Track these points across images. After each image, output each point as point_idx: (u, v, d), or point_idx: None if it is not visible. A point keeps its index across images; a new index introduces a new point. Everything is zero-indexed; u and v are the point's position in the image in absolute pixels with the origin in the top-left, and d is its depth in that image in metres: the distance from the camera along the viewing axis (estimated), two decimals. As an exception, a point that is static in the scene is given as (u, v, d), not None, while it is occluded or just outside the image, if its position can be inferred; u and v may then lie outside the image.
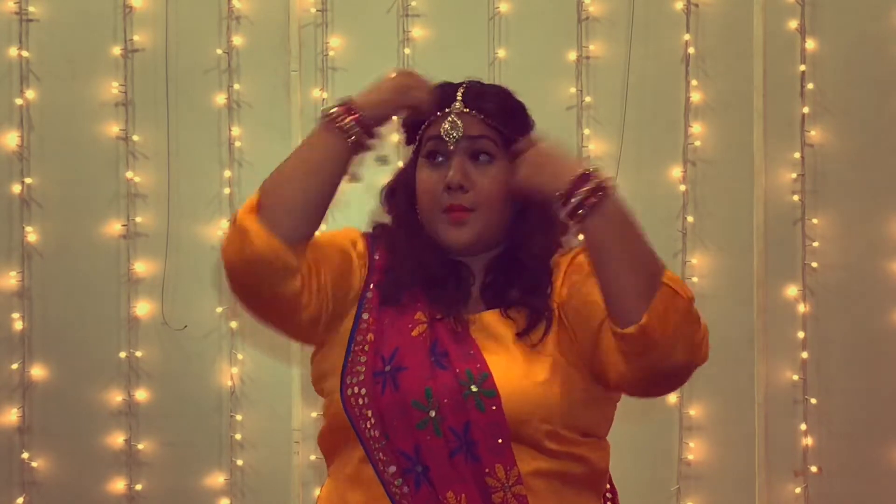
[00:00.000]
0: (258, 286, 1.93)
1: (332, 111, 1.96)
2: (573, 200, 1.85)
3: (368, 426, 1.92)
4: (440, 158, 2.01)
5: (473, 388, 1.89)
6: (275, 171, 1.96)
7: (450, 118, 2.00)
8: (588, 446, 1.95)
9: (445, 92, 2.04)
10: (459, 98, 2.02)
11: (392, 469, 1.90)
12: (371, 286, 2.01)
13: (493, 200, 1.99)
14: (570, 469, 1.93)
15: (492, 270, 2.02)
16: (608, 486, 2.07)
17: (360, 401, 1.92)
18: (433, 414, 1.89)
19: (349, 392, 1.93)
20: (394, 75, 2.02)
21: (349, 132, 1.95)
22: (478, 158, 2.00)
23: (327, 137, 1.96)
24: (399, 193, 2.07)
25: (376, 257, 2.04)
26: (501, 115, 2.02)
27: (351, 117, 1.95)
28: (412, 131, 2.07)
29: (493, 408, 1.88)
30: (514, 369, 1.91)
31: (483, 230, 2.00)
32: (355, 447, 1.95)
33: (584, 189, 1.84)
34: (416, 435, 1.89)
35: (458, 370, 1.90)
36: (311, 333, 2.01)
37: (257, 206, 1.91)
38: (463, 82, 2.06)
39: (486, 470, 1.88)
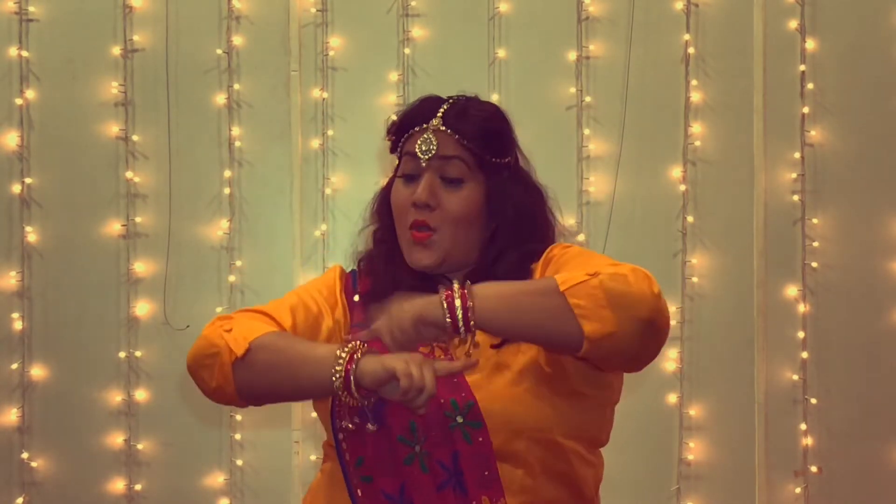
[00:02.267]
0: (205, 392, 1.98)
1: (341, 358, 1.82)
2: (459, 325, 1.78)
3: (351, 470, 1.91)
4: (414, 174, 2.00)
5: (459, 420, 1.87)
6: (279, 349, 1.89)
7: (425, 135, 2.00)
8: (580, 461, 1.93)
9: (428, 106, 2.03)
10: (439, 115, 2.00)
11: None
12: (353, 327, 2.00)
13: (459, 221, 1.99)
14: (556, 495, 1.91)
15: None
16: None
17: (348, 444, 1.92)
18: (418, 449, 1.87)
19: (340, 437, 1.93)
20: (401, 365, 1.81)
21: (336, 389, 1.83)
22: (448, 179, 2.00)
23: (323, 377, 1.83)
24: (382, 209, 2.06)
25: (356, 298, 2.04)
26: (479, 137, 2.01)
27: (344, 375, 1.81)
28: (395, 141, 2.06)
29: (480, 439, 1.86)
30: (499, 389, 1.89)
31: (449, 251, 1.99)
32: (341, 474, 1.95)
33: (457, 306, 1.78)
34: (404, 472, 1.87)
35: (442, 400, 1.87)
36: None
37: (244, 356, 1.89)
38: (450, 98, 2.05)
39: (473, 502, 1.86)
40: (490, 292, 1.80)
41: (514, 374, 1.90)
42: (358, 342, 1.84)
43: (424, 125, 2.01)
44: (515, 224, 2.01)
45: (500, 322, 1.80)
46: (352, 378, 1.80)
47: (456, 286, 1.79)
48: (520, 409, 1.88)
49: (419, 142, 2.00)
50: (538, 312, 1.79)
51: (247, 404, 1.95)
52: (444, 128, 1.99)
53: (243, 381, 1.90)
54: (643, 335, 1.79)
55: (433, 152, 1.99)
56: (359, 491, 1.90)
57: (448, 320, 1.77)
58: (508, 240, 2.01)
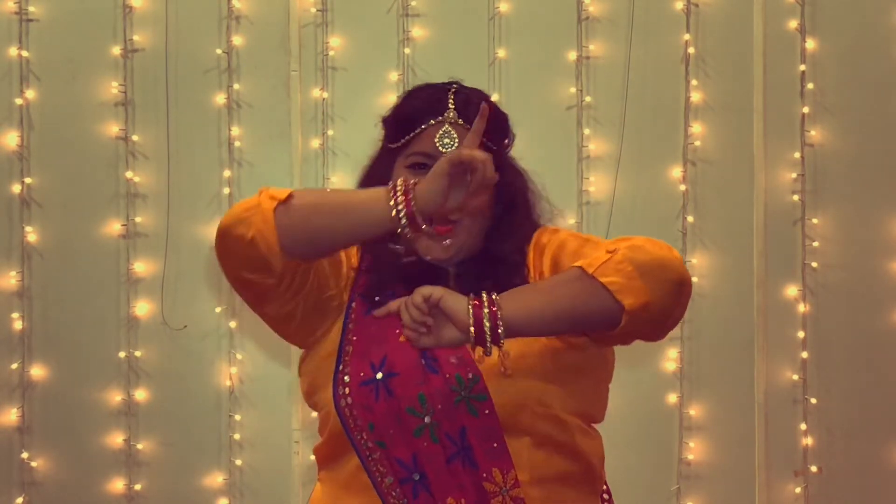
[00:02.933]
0: (236, 257, 1.90)
1: (397, 189, 1.83)
2: (486, 338, 1.79)
3: (364, 437, 1.91)
4: (425, 167, 1.97)
5: (464, 394, 1.89)
6: (321, 193, 1.93)
7: (443, 128, 1.99)
8: (582, 433, 1.95)
9: (434, 97, 2.02)
10: (451, 107, 2.00)
11: (389, 480, 1.90)
12: (356, 295, 2.00)
13: (477, 212, 1.99)
14: (566, 468, 1.94)
15: (465, 268, 2.00)
16: (605, 486, 2.07)
17: (354, 411, 1.91)
18: (428, 420, 1.89)
19: (342, 403, 1.92)
20: (448, 165, 1.83)
21: (400, 220, 1.83)
22: None
23: (380, 212, 1.83)
24: None
25: (363, 265, 2.03)
26: (490, 126, 1.98)
27: (406, 205, 1.82)
28: (397, 132, 2.03)
29: (486, 412, 1.88)
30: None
31: (464, 242, 1.99)
32: (351, 456, 1.94)
33: (484, 319, 1.79)
34: (414, 442, 1.89)
35: (448, 375, 1.89)
36: (282, 327, 2.01)
37: (285, 200, 1.86)
38: (450, 87, 2.04)
39: (484, 475, 1.88)
40: (518, 296, 1.82)
41: (520, 348, 1.91)
42: (402, 181, 1.84)
43: (440, 118, 2.00)
44: (520, 205, 2.03)
45: (533, 323, 1.81)
46: (412, 198, 1.81)
47: (484, 297, 1.80)
48: (523, 384, 1.90)
49: (438, 135, 1.99)
50: (573, 299, 1.82)
51: (283, 257, 1.86)
52: (461, 121, 1.99)
53: (285, 226, 1.84)
54: (675, 297, 1.83)
55: (455, 146, 1.97)
56: (377, 465, 1.90)
57: (473, 337, 1.79)
58: (513, 222, 2.03)
